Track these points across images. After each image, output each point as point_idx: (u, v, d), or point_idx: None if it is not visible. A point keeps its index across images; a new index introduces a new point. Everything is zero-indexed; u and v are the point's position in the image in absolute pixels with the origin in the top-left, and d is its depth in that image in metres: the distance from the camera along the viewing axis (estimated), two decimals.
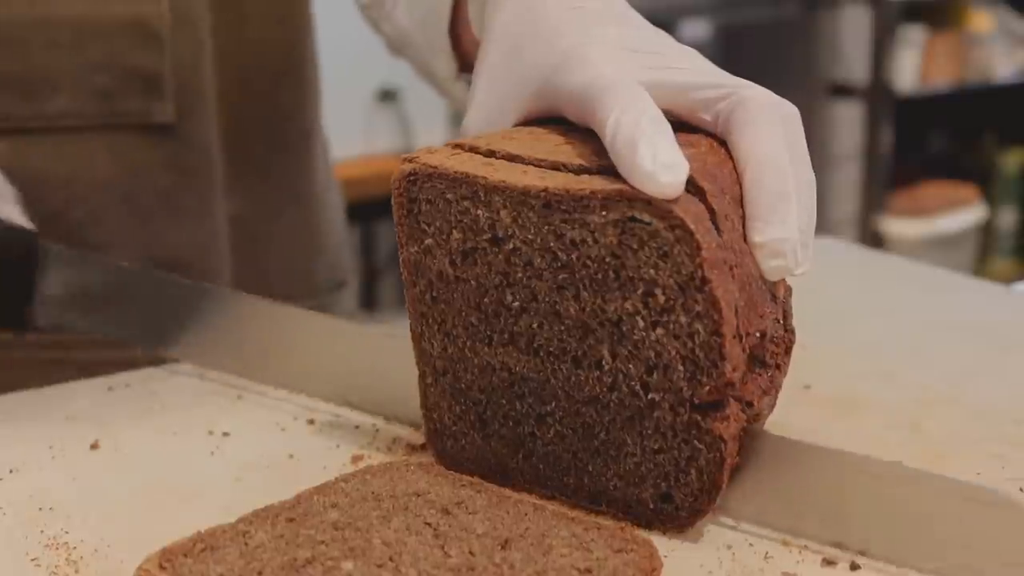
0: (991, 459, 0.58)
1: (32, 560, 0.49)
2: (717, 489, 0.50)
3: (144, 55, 0.77)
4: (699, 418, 0.49)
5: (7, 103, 0.74)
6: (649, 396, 0.50)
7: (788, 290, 0.55)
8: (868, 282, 0.89)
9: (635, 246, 0.48)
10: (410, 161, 0.53)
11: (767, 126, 0.51)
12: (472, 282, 0.53)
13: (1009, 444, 0.60)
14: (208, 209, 0.83)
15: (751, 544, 0.50)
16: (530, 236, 0.51)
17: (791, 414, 0.61)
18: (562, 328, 0.51)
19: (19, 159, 0.76)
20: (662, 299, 0.48)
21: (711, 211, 0.49)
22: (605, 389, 0.51)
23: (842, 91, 3.32)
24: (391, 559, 0.45)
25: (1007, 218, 3.48)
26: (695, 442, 0.50)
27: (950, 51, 3.36)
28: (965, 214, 3.37)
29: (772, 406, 0.54)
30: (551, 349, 0.52)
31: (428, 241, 0.54)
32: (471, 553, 0.46)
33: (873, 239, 3.18)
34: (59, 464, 0.58)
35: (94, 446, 0.60)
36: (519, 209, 0.50)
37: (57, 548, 0.50)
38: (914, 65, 3.29)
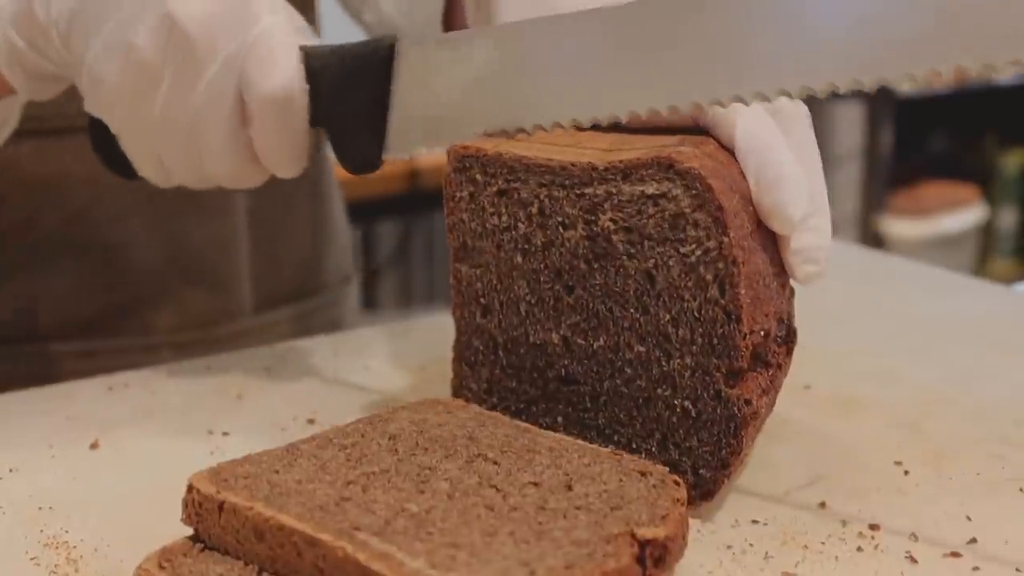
0: (991, 459, 0.58)
1: (32, 559, 0.49)
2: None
3: None
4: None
5: (32, 105, 0.75)
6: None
7: (791, 292, 0.55)
8: (868, 282, 0.89)
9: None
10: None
11: (777, 144, 0.52)
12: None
13: (1009, 444, 0.60)
14: (228, 205, 0.83)
15: (751, 544, 0.50)
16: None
17: (791, 414, 0.61)
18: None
19: (44, 159, 0.76)
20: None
21: (720, 208, 0.50)
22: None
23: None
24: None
25: (1007, 218, 3.48)
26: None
27: None
28: (965, 214, 3.37)
29: (771, 406, 0.54)
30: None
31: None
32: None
33: (873, 239, 3.18)
34: (59, 464, 0.58)
35: (94, 446, 0.60)
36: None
37: (57, 547, 0.50)
38: None
